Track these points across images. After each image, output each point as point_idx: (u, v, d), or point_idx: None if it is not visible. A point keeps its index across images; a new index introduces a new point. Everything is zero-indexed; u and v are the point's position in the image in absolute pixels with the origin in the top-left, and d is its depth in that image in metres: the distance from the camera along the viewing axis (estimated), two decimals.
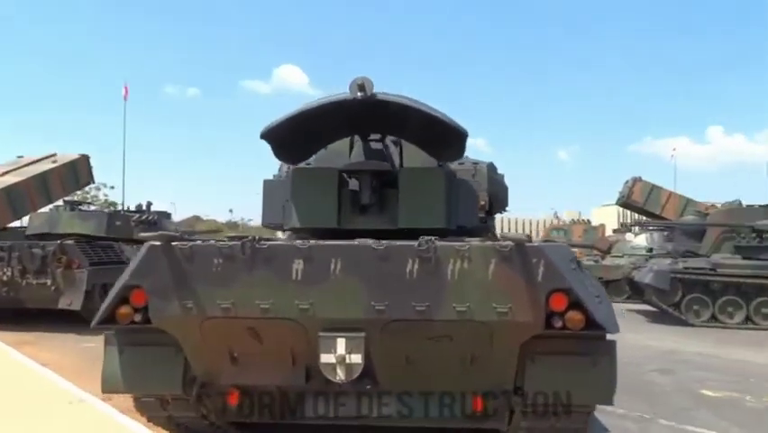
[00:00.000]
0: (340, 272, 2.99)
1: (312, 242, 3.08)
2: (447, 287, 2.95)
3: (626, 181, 19.33)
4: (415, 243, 2.98)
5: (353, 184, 4.27)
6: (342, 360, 2.99)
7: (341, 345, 3.00)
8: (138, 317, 3.14)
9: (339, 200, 4.10)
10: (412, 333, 3.05)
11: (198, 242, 3.11)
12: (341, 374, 3.01)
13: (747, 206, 12.75)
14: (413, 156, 4.65)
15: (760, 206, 12.46)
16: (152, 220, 12.52)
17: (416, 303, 2.96)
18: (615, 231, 24.07)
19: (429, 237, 2.99)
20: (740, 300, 10.87)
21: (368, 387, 3.26)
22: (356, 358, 2.99)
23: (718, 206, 17.77)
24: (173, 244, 3.06)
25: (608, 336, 3.23)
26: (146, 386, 3.42)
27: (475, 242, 3.05)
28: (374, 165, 4.19)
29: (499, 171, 5.42)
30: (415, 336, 3.06)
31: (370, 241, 3.05)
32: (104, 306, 3.22)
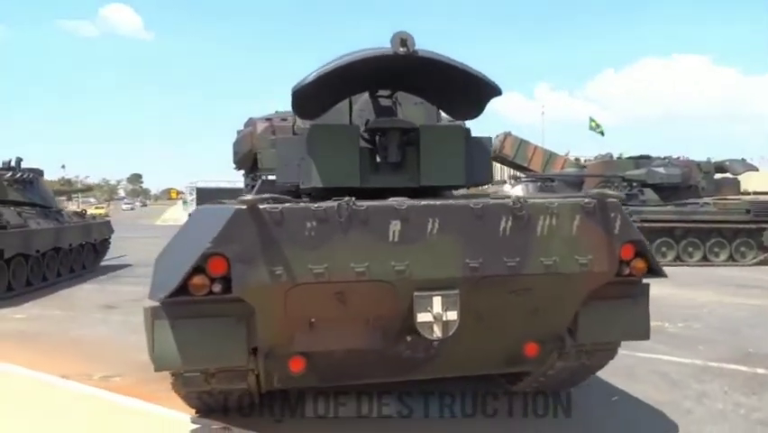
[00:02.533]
0: (437, 232, 2.99)
1: (408, 202, 3.02)
2: (536, 242, 3.09)
3: (497, 135, 20.71)
4: (509, 200, 3.06)
5: (370, 142, 4.19)
6: (438, 317, 3.03)
7: (437, 303, 3.03)
8: (217, 288, 2.88)
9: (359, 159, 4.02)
10: (497, 288, 3.15)
11: (287, 204, 2.89)
12: (437, 332, 3.05)
13: (618, 158, 14.42)
14: (412, 113, 4.67)
15: (629, 157, 14.19)
16: (28, 179, 11.04)
17: (507, 259, 3.06)
18: (493, 183, 25.87)
19: (520, 196, 3.09)
20: None
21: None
22: (452, 315, 3.04)
23: (572, 159, 19.82)
24: (261, 207, 2.83)
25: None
26: (207, 360, 3.17)
27: (557, 198, 3.20)
28: (401, 123, 4.14)
29: None
30: (498, 291, 3.17)
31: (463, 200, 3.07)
32: (173, 276, 2.89)
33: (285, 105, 6.21)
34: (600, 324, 3.55)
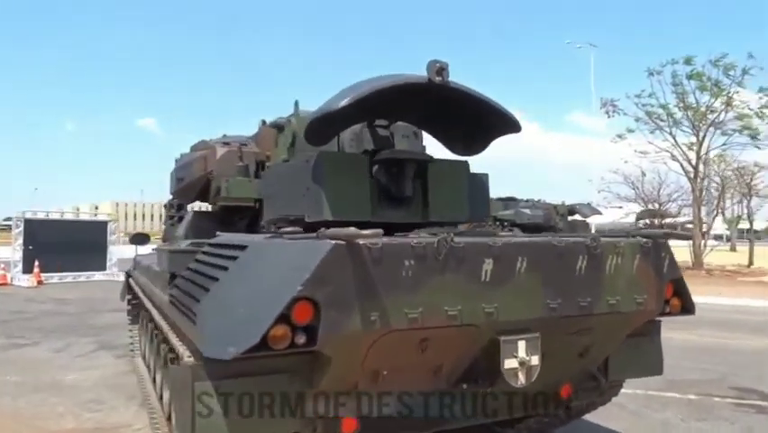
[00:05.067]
0: (524, 271, 2.82)
1: (501, 238, 2.81)
2: (604, 281, 3.07)
3: None
4: (586, 238, 3.01)
5: (379, 173, 3.92)
6: (524, 363, 2.85)
7: (522, 347, 2.85)
8: (301, 339, 2.39)
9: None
10: (563, 329, 3.06)
11: (385, 240, 2.51)
12: (521, 378, 2.86)
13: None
14: (401, 146, 4.51)
15: (498, 199, 15.19)
16: None
17: (580, 299, 3.00)
18: None
19: (595, 234, 3.05)
20: None
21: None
22: (535, 360, 2.88)
23: None
24: (360, 242, 2.43)
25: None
26: (262, 428, 2.62)
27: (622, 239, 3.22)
28: (416, 155, 3.94)
29: None
30: (564, 332, 3.08)
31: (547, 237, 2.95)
32: (247, 327, 2.35)
33: (228, 130, 5.65)
34: (626, 362, 3.63)
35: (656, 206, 21.13)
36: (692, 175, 20.21)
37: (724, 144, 20.56)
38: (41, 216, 19.78)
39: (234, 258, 2.69)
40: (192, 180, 4.95)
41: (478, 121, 3.90)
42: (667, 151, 20.44)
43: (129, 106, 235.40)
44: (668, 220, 20.87)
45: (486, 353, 2.90)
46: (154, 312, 4.65)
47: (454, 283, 2.65)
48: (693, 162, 20.13)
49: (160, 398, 5.12)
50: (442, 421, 3.20)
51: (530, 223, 14.55)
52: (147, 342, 6.33)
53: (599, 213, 16.37)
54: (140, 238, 7.39)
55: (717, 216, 22.68)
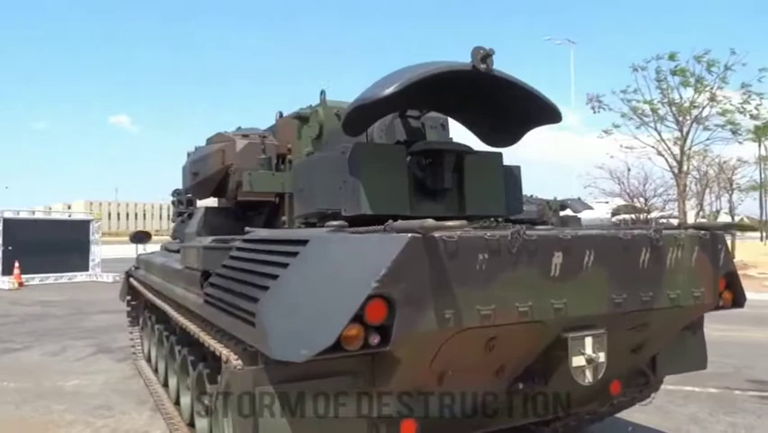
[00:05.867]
0: (591, 265, 2.71)
1: (569, 231, 2.69)
2: (665, 275, 2.97)
3: None
4: (649, 231, 2.91)
5: (414, 165, 3.78)
6: (591, 361, 2.74)
7: (588, 344, 2.74)
8: (374, 339, 2.24)
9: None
10: (624, 324, 2.96)
11: (459, 233, 2.37)
12: (589, 376, 2.75)
13: None
14: (429, 137, 4.39)
15: None
16: None
17: (642, 293, 2.90)
18: None
19: (658, 226, 2.96)
20: None
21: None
22: (602, 357, 2.77)
23: None
24: (436, 236, 2.29)
25: None
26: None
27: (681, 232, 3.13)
28: (456, 145, 3.81)
29: None
30: (623, 328, 2.98)
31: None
32: (318, 326, 2.20)
33: (208, 126, 5.43)
34: (673, 356, 3.55)
35: (642, 200, 21.35)
36: (677, 170, 20.45)
37: (707, 140, 20.86)
38: (23, 214, 19.23)
39: (294, 253, 2.53)
40: (210, 174, 4.74)
41: (516, 110, 3.79)
42: (652, 146, 20.66)
43: (101, 104, 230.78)
44: (654, 214, 21.09)
45: (549, 350, 2.80)
46: (172, 313, 4.44)
47: (525, 278, 2.53)
48: (678, 157, 20.37)
49: (175, 403, 4.92)
50: (495, 422, 3.10)
51: (525, 218, 14.58)
52: (154, 344, 6.10)
53: (591, 208, 16.40)
54: (140, 237, 7.13)
55: (700, 210, 23.01)
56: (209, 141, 4.96)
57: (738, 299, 3.42)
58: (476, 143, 4.13)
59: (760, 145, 26.20)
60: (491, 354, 2.64)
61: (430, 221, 2.25)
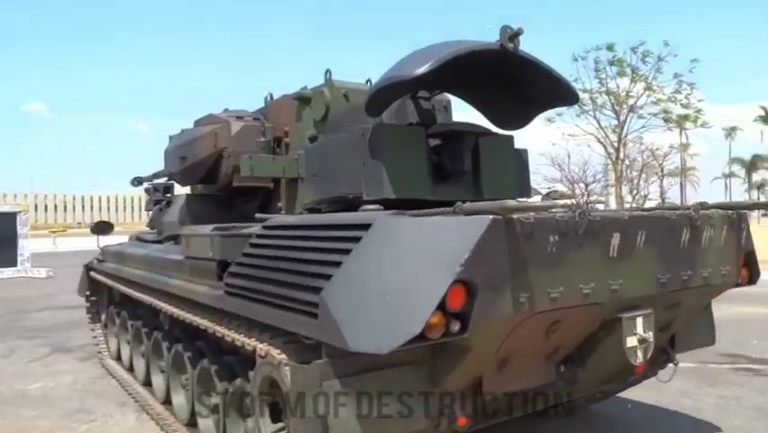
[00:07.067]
0: (643, 246, 2.70)
1: (626, 212, 2.66)
2: (700, 254, 3.01)
3: None
4: (689, 211, 2.93)
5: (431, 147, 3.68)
6: (642, 340, 2.74)
7: (639, 325, 2.74)
8: (455, 326, 2.13)
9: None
10: (663, 303, 2.99)
11: (533, 214, 2.28)
12: (640, 356, 2.75)
13: None
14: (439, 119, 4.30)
15: None
16: None
17: (682, 272, 2.92)
18: None
19: (696, 205, 2.99)
20: None
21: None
22: (651, 337, 2.78)
23: None
24: (514, 217, 2.20)
25: None
26: (396, 427, 2.35)
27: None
28: (474, 127, 3.72)
29: None
30: (662, 307, 3.01)
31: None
32: (399, 315, 2.06)
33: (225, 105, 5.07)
34: (688, 334, 3.63)
35: (582, 186, 22.13)
36: (614, 157, 21.36)
37: (642, 127, 21.87)
38: None
39: (356, 239, 2.36)
40: (200, 159, 4.43)
41: (533, 92, 3.74)
42: (592, 134, 21.46)
43: (13, 91, 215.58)
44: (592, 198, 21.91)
45: (598, 332, 2.78)
46: (166, 307, 4.14)
47: (589, 260, 2.49)
48: (615, 145, 21.27)
49: (163, 402, 4.63)
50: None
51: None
52: (127, 342, 5.72)
53: (540, 193, 16.87)
54: (102, 227, 6.65)
55: (636, 194, 24.20)
56: (197, 123, 4.64)
57: (753, 277, 3.53)
58: (485, 126, 4.08)
59: (681, 133, 27.74)
60: (551, 337, 2.59)
61: (511, 201, 2.16)
